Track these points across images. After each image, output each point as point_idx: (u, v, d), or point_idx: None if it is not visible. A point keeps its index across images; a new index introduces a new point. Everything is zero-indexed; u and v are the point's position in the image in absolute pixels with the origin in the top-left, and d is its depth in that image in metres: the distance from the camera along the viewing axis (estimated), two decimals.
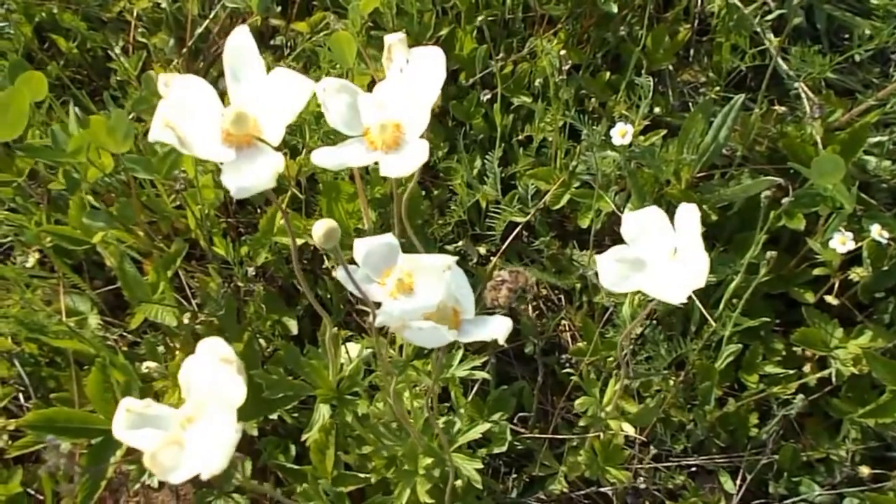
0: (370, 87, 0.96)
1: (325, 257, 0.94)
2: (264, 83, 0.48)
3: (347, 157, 0.50)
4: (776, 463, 0.86)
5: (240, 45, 0.48)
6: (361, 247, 0.55)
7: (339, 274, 0.51)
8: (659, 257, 0.55)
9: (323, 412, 0.74)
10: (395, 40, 0.53)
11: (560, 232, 1.01)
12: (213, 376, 0.44)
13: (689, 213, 0.54)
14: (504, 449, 0.82)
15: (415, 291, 0.52)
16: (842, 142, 0.89)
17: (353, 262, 0.54)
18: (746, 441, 0.88)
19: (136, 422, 0.44)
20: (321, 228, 0.46)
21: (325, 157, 0.49)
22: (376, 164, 0.50)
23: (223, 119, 0.47)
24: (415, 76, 0.52)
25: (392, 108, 0.52)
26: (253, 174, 0.45)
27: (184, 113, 0.47)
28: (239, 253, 0.89)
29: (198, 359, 0.45)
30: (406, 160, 0.49)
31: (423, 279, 0.52)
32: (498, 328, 0.50)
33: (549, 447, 0.87)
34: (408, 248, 0.69)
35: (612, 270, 0.55)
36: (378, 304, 0.52)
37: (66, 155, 0.75)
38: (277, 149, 0.47)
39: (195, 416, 0.43)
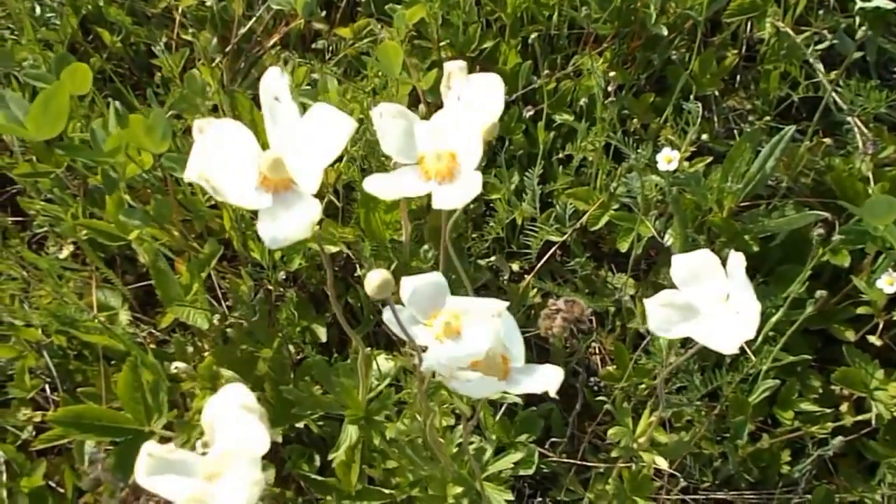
0: (412, 96, 0.96)
1: (357, 265, 0.93)
2: (302, 126, 0.46)
3: (401, 186, 0.49)
4: (808, 503, 0.84)
5: (273, 87, 0.47)
6: (408, 285, 0.54)
7: (385, 315, 0.50)
8: (709, 303, 0.54)
9: (351, 433, 0.73)
10: (454, 68, 0.52)
11: (595, 253, 0.99)
12: (237, 428, 0.43)
13: (737, 262, 0.52)
14: (531, 472, 0.81)
15: (462, 336, 0.51)
16: (892, 179, 0.88)
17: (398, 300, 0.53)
18: (778, 478, 0.86)
19: (159, 467, 0.43)
20: (375, 280, 0.45)
21: (378, 186, 0.48)
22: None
23: (260, 163, 0.46)
24: (472, 105, 0.51)
25: (448, 138, 0.51)
26: (289, 223, 0.44)
27: (220, 157, 0.46)
28: (273, 257, 0.88)
29: (221, 404, 0.45)
30: (460, 192, 0.48)
31: (472, 323, 0.51)
32: (550, 379, 0.49)
33: (575, 472, 0.86)
34: (446, 263, 0.68)
35: (659, 315, 0.54)
36: (424, 348, 0.50)
37: (104, 155, 0.75)
38: (316, 195, 0.45)
39: (219, 470, 0.43)
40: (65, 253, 0.93)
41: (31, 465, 0.82)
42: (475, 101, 0.52)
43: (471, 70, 0.54)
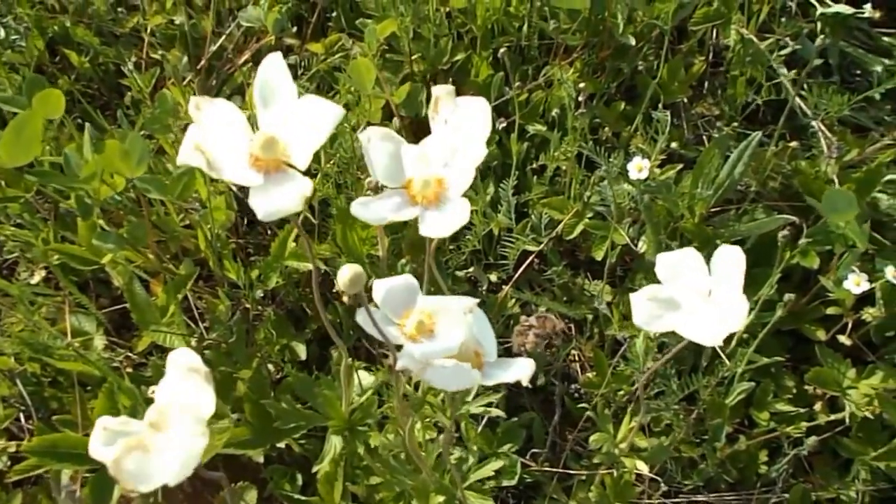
0: (385, 110, 0.96)
1: (335, 282, 0.93)
2: (294, 109, 0.48)
3: (387, 211, 0.49)
4: (786, 502, 0.85)
5: (273, 70, 0.48)
6: (380, 287, 0.54)
7: (359, 317, 0.50)
8: (693, 298, 0.54)
9: (335, 443, 0.73)
10: (442, 93, 0.52)
11: (571, 261, 1.00)
12: (181, 386, 0.44)
13: (732, 256, 0.53)
14: (514, 482, 0.82)
15: (435, 334, 0.52)
16: (857, 180, 0.90)
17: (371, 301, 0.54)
18: (756, 479, 0.88)
19: (113, 439, 0.43)
20: (346, 274, 0.46)
21: (364, 211, 0.48)
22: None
23: (252, 143, 0.47)
24: (460, 129, 0.52)
25: (436, 164, 0.51)
26: (281, 197, 0.45)
27: (213, 137, 0.47)
28: (249, 276, 0.88)
29: (168, 365, 0.45)
30: (447, 219, 0.48)
31: (444, 321, 0.52)
32: (521, 370, 0.50)
33: (557, 480, 0.86)
34: (430, 282, 0.68)
35: (645, 309, 0.54)
36: (399, 347, 0.51)
37: (80, 181, 0.74)
38: (305, 174, 0.47)
39: (160, 423, 0.43)
40: (36, 278, 0.92)
41: (7, 496, 0.81)
42: (463, 125, 0.52)
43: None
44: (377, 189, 0.53)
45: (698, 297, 0.54)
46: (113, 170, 0.76)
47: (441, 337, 0.51)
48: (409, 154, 0.51)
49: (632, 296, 0.54)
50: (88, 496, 0.71)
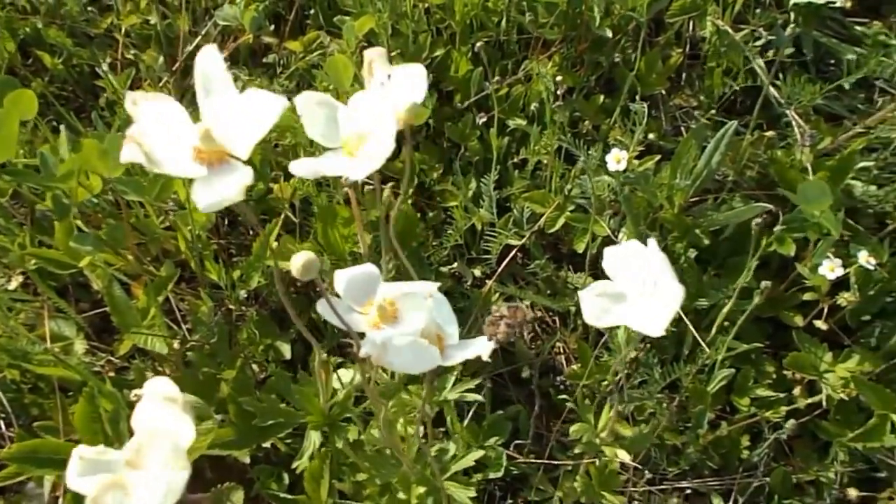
0: None
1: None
2: (235, 101, 0.48)
3: (323, 167, 0.50)
4: (767, 485, 0.87)
5: (208, 65, 0.48)
6: (341, 277, 0.55)
7: (320, 306, 0.51)
8: (637, 290, 0.55)
9: (314, 439, 0.73)
10: (375, 55, 0.53)
11: (554, 254, 1.01)
12: (158, 418, 0.44)
13: (653, 248, 0.54)
14: (500, 475, 0.82)
15: (398, 320, 0.52)
16: (830, 168, 0.91)
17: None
18: (738, 463, 0.89)
19: (90, 469, 0.43)
20: (299, 261, 0.45)
21: (302, 167, 0.49)
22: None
23: (193, 136, 0.46)
24: (395, 92, 0.52)
25: (365, 120, 0.52)
26: (222, 188, 0.45)
27: (155, 132, 0.46)
28: (231, 276, 0.88)
29: (144, 395, 0.45)
30: (365, 162, 0.49)
31: (406, 307, 0.52)
32: (481, 348, 0.51)
33: (544, 472, 0.87)
34: (403, 271, 0.68)
35: (593, 305, 0.54)
36: (362, 335, 0.51)
37: (56, 180, 0.73)
38: (247, 163, 0.47)
39: (137, 460, 0.42)
40: (13, 284, 0.90)
41: None
42: (399, 88, 0.53)
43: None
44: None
45: (642, 289, 0.54)
46: (91, 169, 0.75)
47: (404, 322, 0.51)
48: (342, 115, 0.52)
49: (580, 293, 0.54)
50: (71, 500, 0.71)
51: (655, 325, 0.51)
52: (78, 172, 0.76)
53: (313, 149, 0.91)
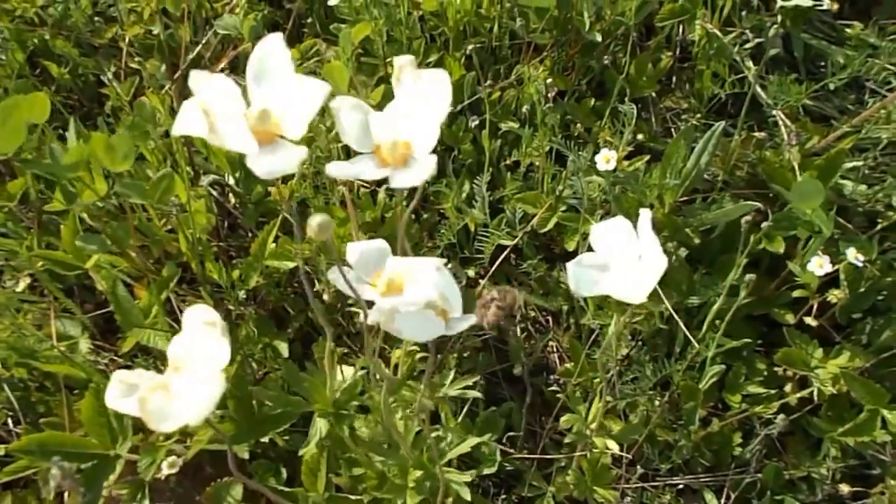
0: None
1: (315, 280, 0.95)
2: (286, 85, 0.50)
3: (360, 170, 0.52)
4: (759, 481, 0.88)
5: (271, 49, 0.50)
6: (354, 249, 0.57)
7: (331, 274, 0.53)
8: (623, 262, 0.56)
9: (320, 426, 0.75)
10: (405, 62, 0.55)
11: (547, 255, 1.02)
12: (198, 338, 0.47)
13: (644, 218, 0.55)
14: (494, 470, 0.84)
15: (405, 292, 0.54)
16: (819, 167, 0.92)
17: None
18: (730, 460, 0.90)
19: (128, 392, 0.45)
20: (315, 221, 0.47)
21: (339, 170, 0.51)
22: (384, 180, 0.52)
23: (248, 116, 0.49)
24: (422, 97, 0.54)
25: (402, 127, 0.53)
26: (279, 160, 0.48)
27: (216, 107, 0.48)
28: (231, 277, 0.90)
29: (185, 320, 0.48)
30: (414, 174, 0.51)
31: (413, 280, 0.54)
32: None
33: (537, 468, 0.88)
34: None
35: (580, 275, 0.55)
36: (370, 304, 0.53)
37: (65, 168, 0.76)
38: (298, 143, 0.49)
39: (181, 367, 0.45)
40: (21, 286, 0.93)
41: None
42: (425, 93, 0.54)
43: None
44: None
45: (627, 261, 0.55)
46: (98, 161, 0.77)
47: (410, 293, 0.53)
48: (375, 121, 0.53)
49: (567, 264, 0.56)
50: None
51: (638, 292, 0.52)
52: (86, 163, 0.78)
53: (311, 151, 0.94)
